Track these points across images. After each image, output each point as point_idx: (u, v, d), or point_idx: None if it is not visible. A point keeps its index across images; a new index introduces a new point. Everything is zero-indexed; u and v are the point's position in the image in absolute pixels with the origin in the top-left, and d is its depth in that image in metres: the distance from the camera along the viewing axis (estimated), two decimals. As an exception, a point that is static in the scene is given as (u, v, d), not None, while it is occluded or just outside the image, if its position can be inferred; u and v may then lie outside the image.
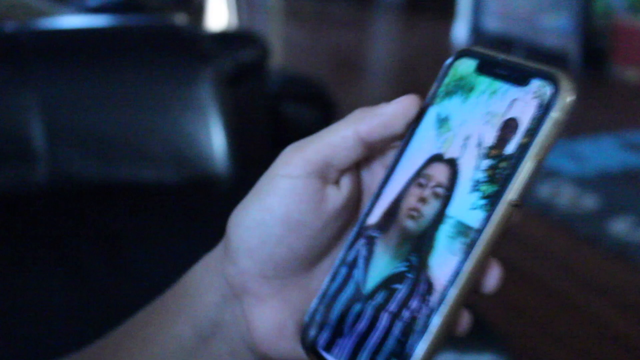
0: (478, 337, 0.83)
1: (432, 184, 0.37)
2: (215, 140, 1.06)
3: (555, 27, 3.81)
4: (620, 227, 2.06)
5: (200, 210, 1.02)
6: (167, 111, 1.06)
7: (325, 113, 1.46)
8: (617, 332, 1.67)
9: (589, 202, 2.21)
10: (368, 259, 0.38)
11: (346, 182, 0.40)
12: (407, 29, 4.89)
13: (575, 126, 2.39)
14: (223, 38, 1.31)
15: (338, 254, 0.40)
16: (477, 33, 4.23)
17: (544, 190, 2.28)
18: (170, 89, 1.07)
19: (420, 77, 3.37)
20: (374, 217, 0.39)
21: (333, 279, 0.39)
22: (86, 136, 1.03)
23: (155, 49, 1.12)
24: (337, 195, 0.39)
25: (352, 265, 0.39)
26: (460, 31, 4.34)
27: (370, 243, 0.39)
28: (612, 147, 2.59)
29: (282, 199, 0.38)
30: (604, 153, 2.52)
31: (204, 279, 0.41)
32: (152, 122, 1.05)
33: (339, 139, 0.38)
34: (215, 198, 1.05)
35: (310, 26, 4.78)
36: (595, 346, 1.62)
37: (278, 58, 1.41)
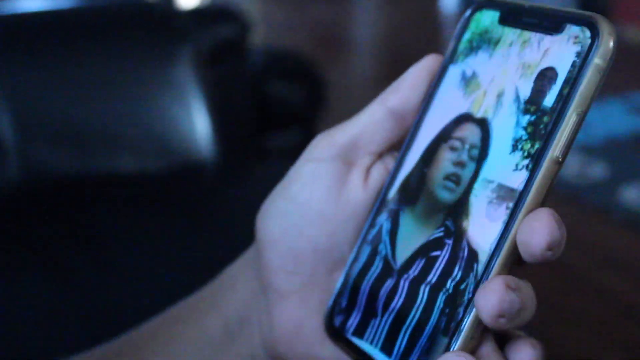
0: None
1: (467, 146, 0.36)
2: (198, 124, 1.06)
3: (550, -12, 3.81)
4: (632, 195, 2.07)
5: (186, 200, 1.02)
6: (144, 95, 1.05)
7: (314, 91, 1.45)
8: (633, 308, 1.68)
9: (597, 171, 2.21)
10: (394, 232, 0.37)
11: (377, 173, 0.39)
12: (392, -1, 4.88)
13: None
14: (199, 14, 1.28)
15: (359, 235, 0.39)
16: (467, -1, 4.23)
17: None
18: (146, 71, 1.06)
19: (409, 49, 3.36)
20: (395, 189, 0.38)
21: (356, 258, 0.38)
22: (58, 126, 1.02)
23: (127, 29, 1.11)
24: (363, 186, 0.38)
25: (376, 241, 0.38)
26: (449, -2, 4.33)
27: (395, 216, 0.38)
28: (619, 111, 2.60)
29: (304, 186, 0.38)
30: (610, 118, 2.53)
31: (240, 273, 0.41)
32: (128, 108, 1.04)
33: (367, 116, 0.38)
34: (202, 186, 1.06)
35: (289, 2, 4.75)
36: (610, 323, 1.63)
37: (257, 36, 1.39)
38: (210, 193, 1.05)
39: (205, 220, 0.97)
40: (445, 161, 0.36)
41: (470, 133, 0.36)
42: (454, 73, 0.38)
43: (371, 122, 0.38)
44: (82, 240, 0.91)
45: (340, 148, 0.38)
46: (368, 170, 0.39)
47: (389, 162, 0.39)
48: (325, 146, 0.38)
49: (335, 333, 0.38)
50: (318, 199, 0.38)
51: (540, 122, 0.33)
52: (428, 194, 0.37)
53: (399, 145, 0.39)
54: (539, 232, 0.32)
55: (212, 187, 1.06)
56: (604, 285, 1.75)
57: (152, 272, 0.85)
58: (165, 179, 1.03)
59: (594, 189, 2.11)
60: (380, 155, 0.39)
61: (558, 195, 2.07)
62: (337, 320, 0.38)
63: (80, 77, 1.05)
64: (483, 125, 0.36)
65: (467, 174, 0.35)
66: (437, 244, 0.35)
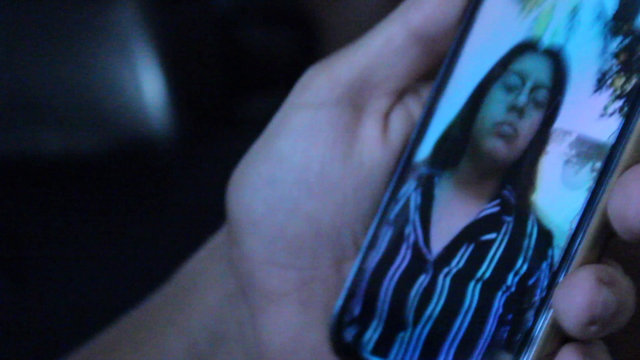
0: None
1: (530, 85, 0.34)
2: (147, 86, 1.05)
3: None
4: None
5: (132, 187, 1.01)
6: (71, 48, 1.04)
7: (304, 39, 1.42)
8: None
9: None
10: (427, 207, 0.36)
11: (398, 122, 0.37)
12: None
13: None
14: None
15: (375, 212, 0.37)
16: None
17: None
18: (73, 15, 1.04)
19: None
20: (427, 147, 0.37)
21: (373, 245, 0.37)
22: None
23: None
24: (381, 140, 0.37)
25: (402, 221, 0.36)
26: None
27: (428, 184, 0.36)
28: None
29: (298, 141, 0.36)
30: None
31: (206, 270, 0.40)
32: (50, 67, 1.03)
33: (383, 40, 0.36)
34: (153, 169, 1.06)
35: None
36: None
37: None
38: (164, 178, 1.04)
39: (158, 211, 0.98)
40: (498, 105, 0.35)
41: (534, 66, 0.35)
42: None
43: (388, 49, 0.37)
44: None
45: (346, 87, 0.37)
46: (386, 117, 0.38)
47: (414, 105, 0.38)
48: (324, 85, 0.37)
49: (347, 351, 0.37)
50: (319, 159, 0.36)
51: (638, 46, 0.32)
52: (475, 152, 0.35)
53: (426, 79, 0.38)
54: (638, 196, 0.30)
55: (167, 169, 1.06)
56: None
57: (85, 282, 0.86)
58: (103, 161, 1.02)
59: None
60: (401, 96, 0.38)
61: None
62: (349, 334, 0.37)
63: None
64: (552, 54, 0.34)
65: (528, 122, 0.34)
66: (491, 223, 0.34)
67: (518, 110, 0.35)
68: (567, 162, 0.33)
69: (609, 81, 0.32)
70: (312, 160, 0.36)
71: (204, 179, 0.99)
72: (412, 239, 0.36)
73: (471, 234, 0.35)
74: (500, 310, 0.33)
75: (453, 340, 0.34)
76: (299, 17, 1.46)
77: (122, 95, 1.04)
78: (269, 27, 1.41)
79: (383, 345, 0.36)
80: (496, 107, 0.35)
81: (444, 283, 0.35)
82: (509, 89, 0.35)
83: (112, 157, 1.02)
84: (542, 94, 0.34)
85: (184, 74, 1.11)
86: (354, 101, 0.37)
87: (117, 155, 1.02)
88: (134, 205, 0.99)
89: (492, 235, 0.34)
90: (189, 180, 1.01)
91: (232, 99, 1.32)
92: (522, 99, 0.35)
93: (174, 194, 1.01)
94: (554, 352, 0.32)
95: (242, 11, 1.39)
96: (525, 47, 0.35)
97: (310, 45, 1.52)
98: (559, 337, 0.32)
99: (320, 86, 0.37)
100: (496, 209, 0.34)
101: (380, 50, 0.37)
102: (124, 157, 1.03)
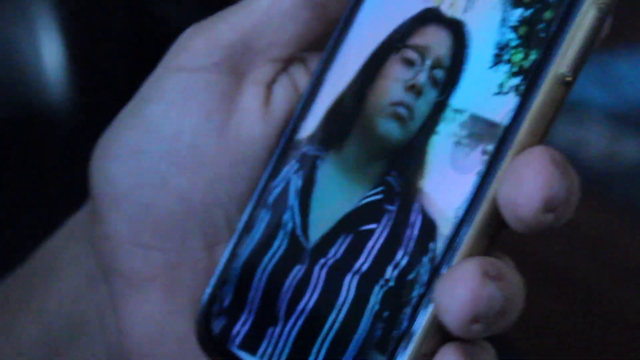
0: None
1: (429, 63, 0.33)
2: (47, 54, 1.05)
3: None
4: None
5: (26, 162, 1.00)
6: None
7: (217, 11, 1.43)
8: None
9: (631, 150, 2.22)
10: (307, 192, 0.35)
11: (282, 93, 0.36)
12: None
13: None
14: None
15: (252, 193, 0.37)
16: None
17: (562, 134, 2.28)
18: None
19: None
20: (312, 124, 0.36)
21: (247, 230, 0.36)
22: None
23: None
24: (262, 112, 0.36)
25: (280, 206, 0.36)
26: None
27: (310, 166, 0.36)
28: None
29: (169, 109, 0.35)
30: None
31: (66, 251, 0.39)
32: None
33: (269, 1, 0.35)
34: (52, 142, 1.05)
35: None
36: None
37: None
38: (59, 147, 1.04)
39: (49, 181, 0.97)
40: (393, 82, 0.34)
41: (433, 40, 0.34)
42: None
43: (275, 11, 0.35)
44: None
45: (227, 51, 0.35)
46: (269, 87, 0.36)
47: (300, 76, 0.37)
48: (202, 47, 0.35)
49: (214, 344, 0.36)
50: (191, 130, 0.35)
51: (539, 20, 0.32)
52: (364, 133, 0.35)
53: (315, 48, 0.37)
54: (530, 183, 0.30)
55: (68, 145, 1.03)
56: (632, 311, 1.77)
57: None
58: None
59: (626, 178, 2.10)
60: (286, 65, 0.37)
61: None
62: (217, 326, 0.36)
63: None
64: (452, 26, 0.34)
65: (424, 103, 0.33)
66: (372, 211, 0.34)
67: (416, 90, 0.34)
68: (457, 143, 0.32)
69: (506, 56, 0.32)
70: (184, 130, 0.35)
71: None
72: (289, 225, 0.36)
73: (350, 223, 0.34)
74: (377, 306, 0.32)
75: (325, 337, 0.34)
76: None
77: (18, 61, 1.03)
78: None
79: (252, 340, 0.35)
80: (392, 84, 0.35)
81: (319, 275, 0.34)
82: (406, 64, 0.35)
83: (6, 122, 1.01)
84: (441, 72, 0.34)
85: (88, 45, 1.10)
86: (235, 67, 0.36)
87: (11, 121, 1.02)
88: (26, 172, 0.99)
89: (372, 225, 0.34)
90: (84, 151, 1.01)
91: (143, 73, 1.35)
92: (422, 77, 0.34)
93: (69, 164, 0.99)
94: (433, 352, 0.31)
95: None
96: (424, 17, 0.35)
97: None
98: (440, 335, 0.31)
99: (197, 48, 0.35)
100: (379, 196, 0.34)
101: (267, 11, 0.35)
102: (19, 123, 1.03)
